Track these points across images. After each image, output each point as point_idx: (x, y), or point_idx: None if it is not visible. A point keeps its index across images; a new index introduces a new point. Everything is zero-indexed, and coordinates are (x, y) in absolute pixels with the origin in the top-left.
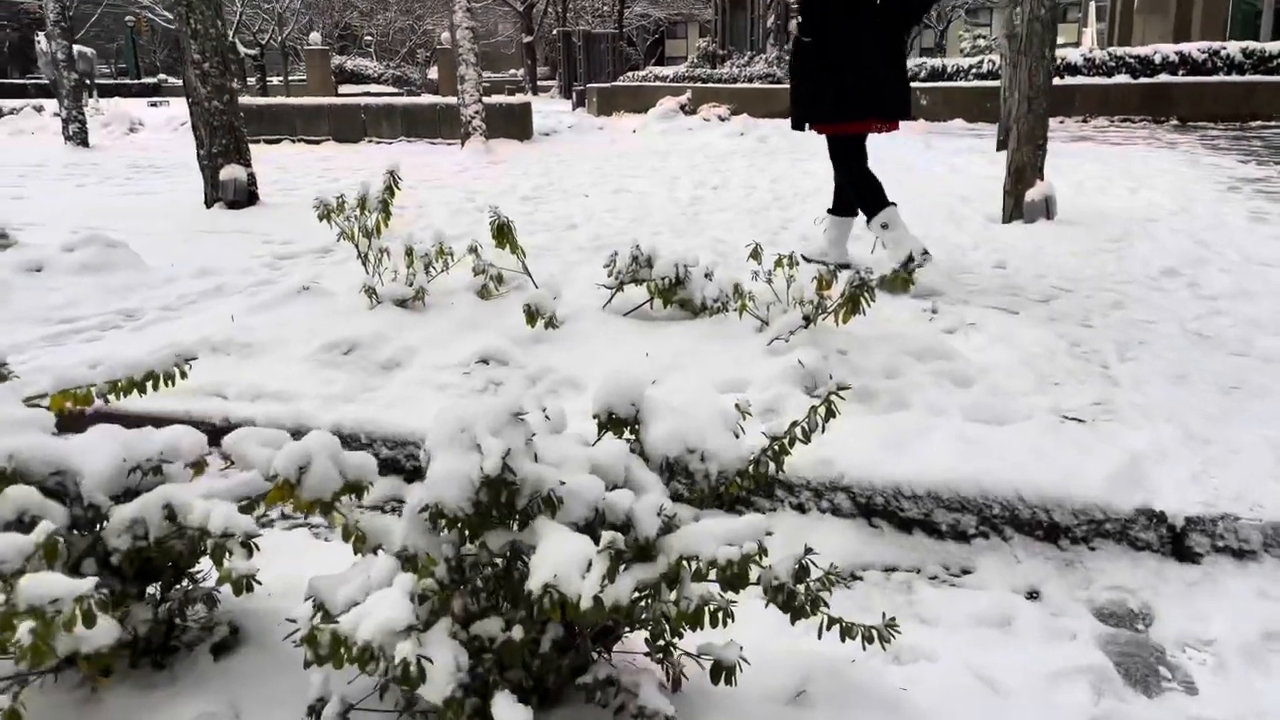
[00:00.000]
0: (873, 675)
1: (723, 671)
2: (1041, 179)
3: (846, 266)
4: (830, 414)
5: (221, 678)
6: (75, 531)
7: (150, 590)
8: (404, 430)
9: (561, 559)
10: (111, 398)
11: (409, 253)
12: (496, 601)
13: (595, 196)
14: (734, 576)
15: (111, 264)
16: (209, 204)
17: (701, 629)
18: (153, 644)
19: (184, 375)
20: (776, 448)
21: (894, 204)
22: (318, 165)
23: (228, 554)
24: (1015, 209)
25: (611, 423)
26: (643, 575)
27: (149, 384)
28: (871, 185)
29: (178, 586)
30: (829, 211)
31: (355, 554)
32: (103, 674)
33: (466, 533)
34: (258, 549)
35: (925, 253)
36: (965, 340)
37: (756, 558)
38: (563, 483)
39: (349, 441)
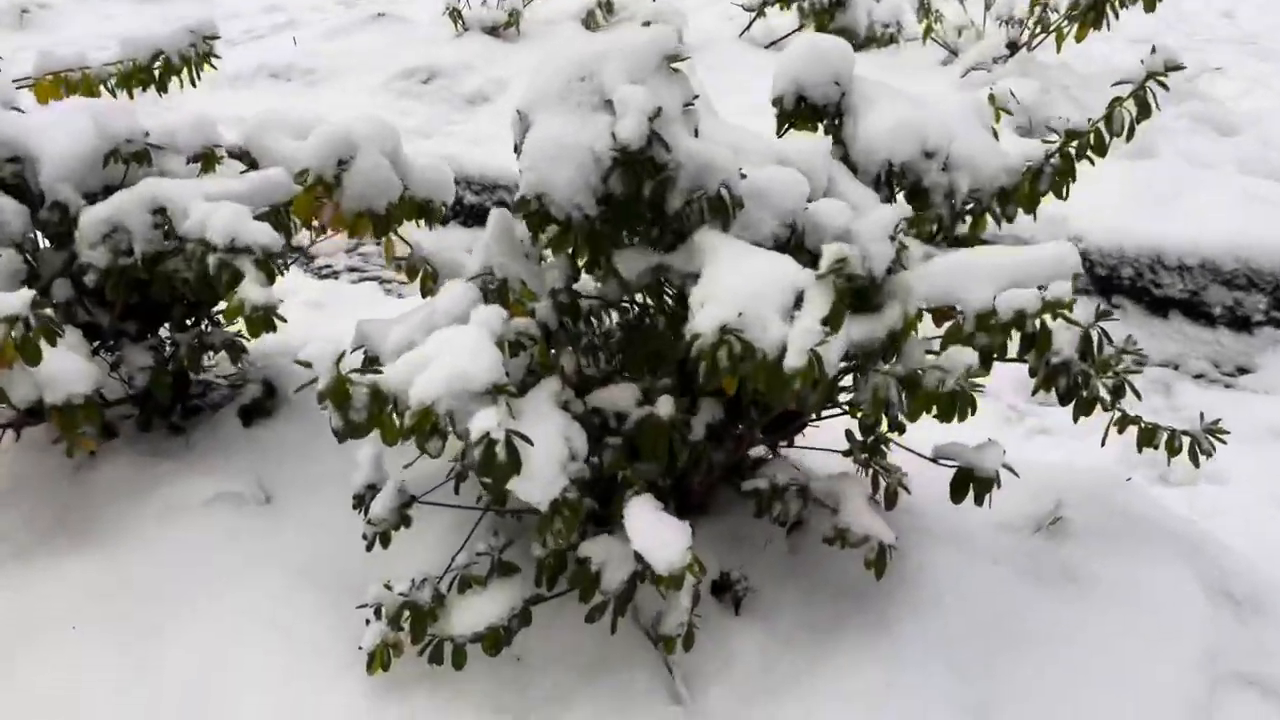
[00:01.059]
0: (1148, 502)
1: (970, 484)
2: None
3: None
4: (1145, 111)
5: (250, 449)
6: (46, 245)
7: (164, 335)
8: (491, 169)
9: (746, 288)
10: (122, 94)
11: None
12: (622, 365)
13: None
14: (1027, 339)
15: None
16: None
17: (960, 418)
18: (162, 402)
19: (204, 60)
20: (1063, 156)
21: None
22: None
23: (239, 278)
24: None
25: (801, 112)
26: (862, 331)
27: (168, 75)
28: None
29: (190, 329)
30: None
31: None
32: (106, 435)
33: (580, 262)
34: (281, 272)
35: None
36: (1211, 84)
37: (1067, 308)
38: (743, 175)
39: None
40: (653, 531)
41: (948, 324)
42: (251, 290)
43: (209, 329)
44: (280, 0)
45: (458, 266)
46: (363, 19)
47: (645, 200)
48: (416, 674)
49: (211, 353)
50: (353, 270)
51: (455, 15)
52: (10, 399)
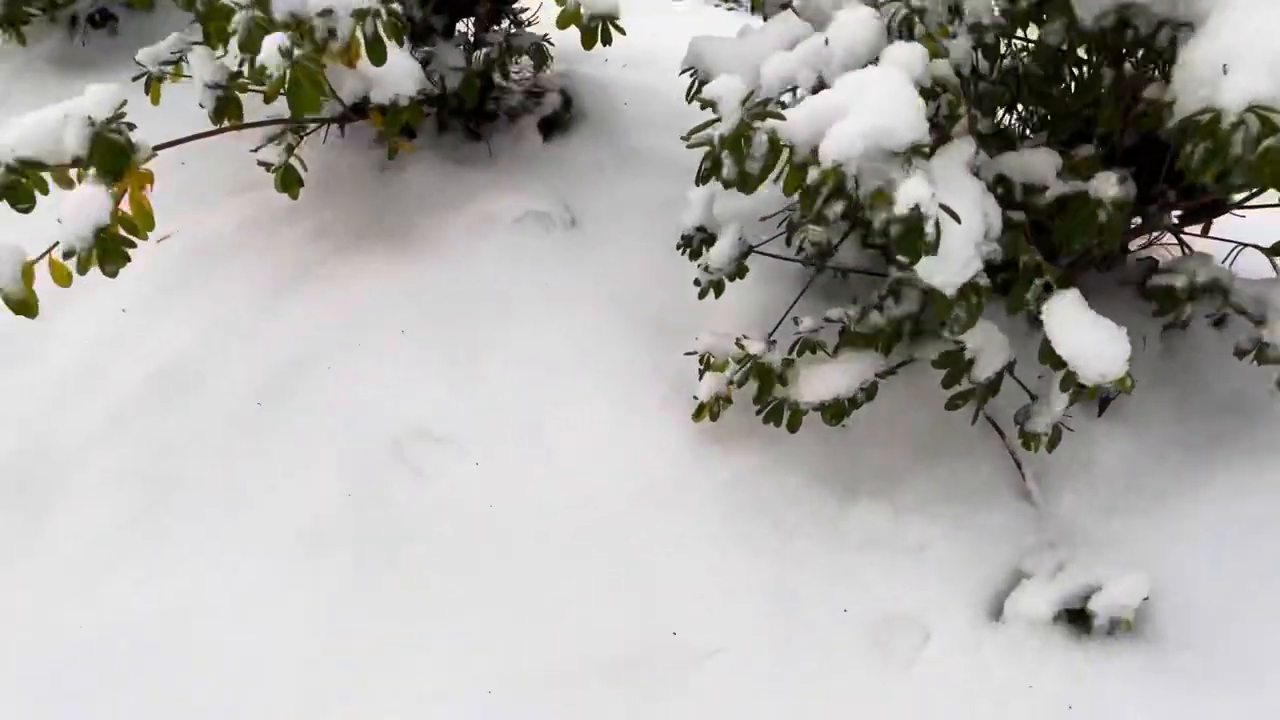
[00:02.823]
0: None
1: None
2: None
3: None
4: None
5: (551, 165)
6: None
7: (461, 29)
8: None
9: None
10: None
11: None
12: (1028, 126)
13: None
14: None
15: None
16: None
17: None
18: (466, 105)
19: None
20: None
21: None
22: None
23: None
24: None
25: None
26: None
27: None
28: None
29: (496, 28)
30: None
31: (762, 19)
32: (406, 135)
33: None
34: None
35: None
36: None
37: None
38: None
39: None
40: (1085, 336)
41: None
42: None
43: (515, 30)
44: None
45: None
46: None
47: None
48: (741, 428)
49: (517, 57)
50: None
51: None
52: (339, 95)
